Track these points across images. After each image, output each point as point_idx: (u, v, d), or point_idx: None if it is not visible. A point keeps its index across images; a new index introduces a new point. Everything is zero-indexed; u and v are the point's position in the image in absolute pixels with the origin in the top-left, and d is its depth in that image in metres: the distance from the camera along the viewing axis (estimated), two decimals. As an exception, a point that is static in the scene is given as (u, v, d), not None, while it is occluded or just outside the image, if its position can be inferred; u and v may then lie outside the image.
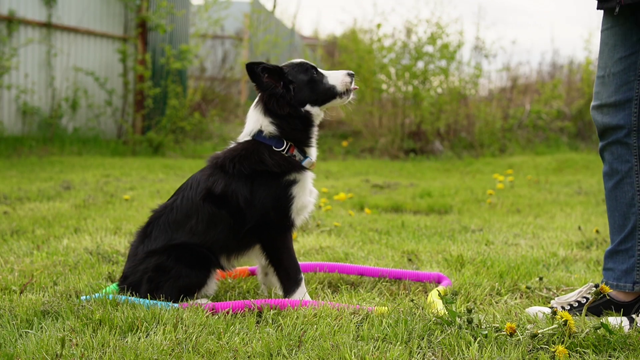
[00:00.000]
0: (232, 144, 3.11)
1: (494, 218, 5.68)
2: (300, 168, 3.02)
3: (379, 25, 13.20)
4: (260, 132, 3.02)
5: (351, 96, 3.12)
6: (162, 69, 12.73)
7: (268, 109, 3.00)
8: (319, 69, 3.09)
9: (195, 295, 2.95)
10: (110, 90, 12.12)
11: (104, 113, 12.19)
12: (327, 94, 3.06)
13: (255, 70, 2.96)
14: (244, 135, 3.09)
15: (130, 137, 12.06)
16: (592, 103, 2.95)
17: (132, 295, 2.93)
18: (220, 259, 3.06)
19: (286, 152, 3.00)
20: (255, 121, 3.04)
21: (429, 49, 13.00)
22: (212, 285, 3.03)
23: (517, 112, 13.39)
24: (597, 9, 2.90)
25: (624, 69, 2.83)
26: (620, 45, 2.84)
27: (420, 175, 9.69)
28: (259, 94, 3.03)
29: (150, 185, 7.41)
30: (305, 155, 3.06)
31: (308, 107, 3.03)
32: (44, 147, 10.58)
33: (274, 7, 21.54)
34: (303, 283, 3.02)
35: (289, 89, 2.99)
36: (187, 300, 2.89)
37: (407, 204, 6.46)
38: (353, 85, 3.10)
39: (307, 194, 3.07)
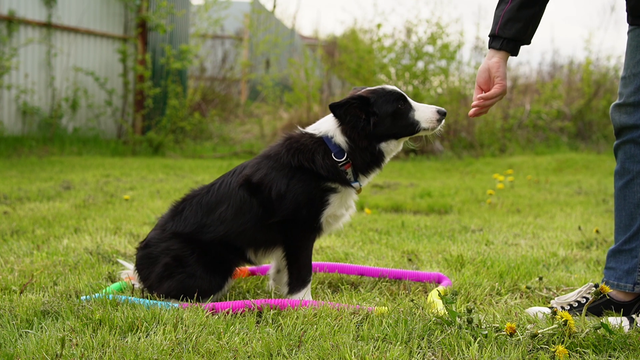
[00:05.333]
0: (297, 132, 3.06)
1: (494, 218, 5.68)
2: (346, 182, 2.98)
3: (379, 25, 13.20)
4: (329, 136, 2.97)
5: (438, 128, 2.99)
6: (162, 69, 12.73)
7: (348, 134, 2.94)
8: (409, 100, 2.98)
9: (201, 299, 2.95)
10: (110, 90, 12.12)
11: (104, 113, 12.19)
12: (407, 129, 2.96)
13: (337, 112, 2.91)
14: (312, 128, 3.05)
15: (130, 137, 12.06)
16: (614, 102, 2.93)
17: (144, 268, 2.99)
18: (247, 252, 3.05)
19: (341, 165, 2.95)
20: (331, 129, 2.98)
21: (429, 49, 13.00)
22: (224, 289, 3.05)
23: (517, 112, 13.39)
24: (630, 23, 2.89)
25: None
26: None
27: (420, 175, 9.69)
28: (341, 125, 2.95)
29: (150, 185, 7.41)
30: (357, 179, 3.00)
31: (383, 145, 2.96)
32: (44, 147, 10.58)
33: (274, 7, 21.57)
34: (309, 285, 3.02)
35: (369, 121, 2.91)
36: (188, 301, 2.90)
37: (407, 204, 6.46)
38: (441, 125, 2.98)
39: (343, 207, 3.03)
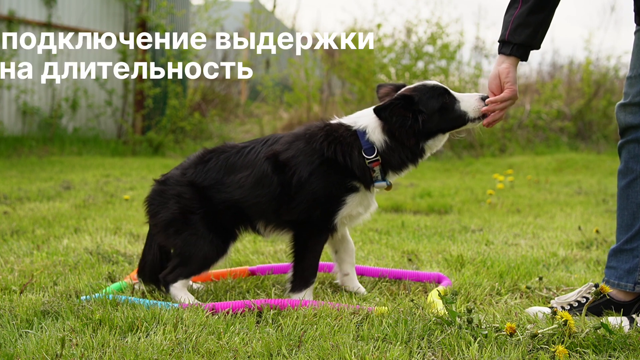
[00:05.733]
0: (334, 121, 3.01)
1: (494, 218, 5.67)
2: (370, 184, 2.95)
3: (379, 25, 13.20)
4: (364, 132, 2.92)
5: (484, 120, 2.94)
6: (162, 69, 12.72)
7: (392, 133, 2.88)
8: (452, 92, 2.94)
9: (199, 266, 2.99)
10: (110, 90, 12.11)
11: (104, 113, 12.19)
12: (457, 122, 2.92)
13: (382, 115, 2.85)
14: (348, 119, 3.00)
15: (130, 137, 12.06)
16: (619, 102, 2.93)
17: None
18: (257, 224, 3.05)
19: (369, 163, 2.90)
20: (369, 125, 2.92)
21: (429, 49, 13.00)
22: (228, 253, 3.06)
23: (517, 112, 13.38)
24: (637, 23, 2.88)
25: None
26: None
27: (420, 175, 9.69)
28: (384, 124, 2.89)
29: (150, 185, 7.40)
30: (385, 177, 2.95)
31: (430, 142, 2.92)
32: (44, 147, 10.58)
33: (274, 7, 21.53)
34: (312, 287, 3.01)
35: (417, 119, 2.86)
36: (187, 264, 2.97)
37: (407, 204, 6.46)
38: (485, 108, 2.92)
39: (362, 206, 2.99)
